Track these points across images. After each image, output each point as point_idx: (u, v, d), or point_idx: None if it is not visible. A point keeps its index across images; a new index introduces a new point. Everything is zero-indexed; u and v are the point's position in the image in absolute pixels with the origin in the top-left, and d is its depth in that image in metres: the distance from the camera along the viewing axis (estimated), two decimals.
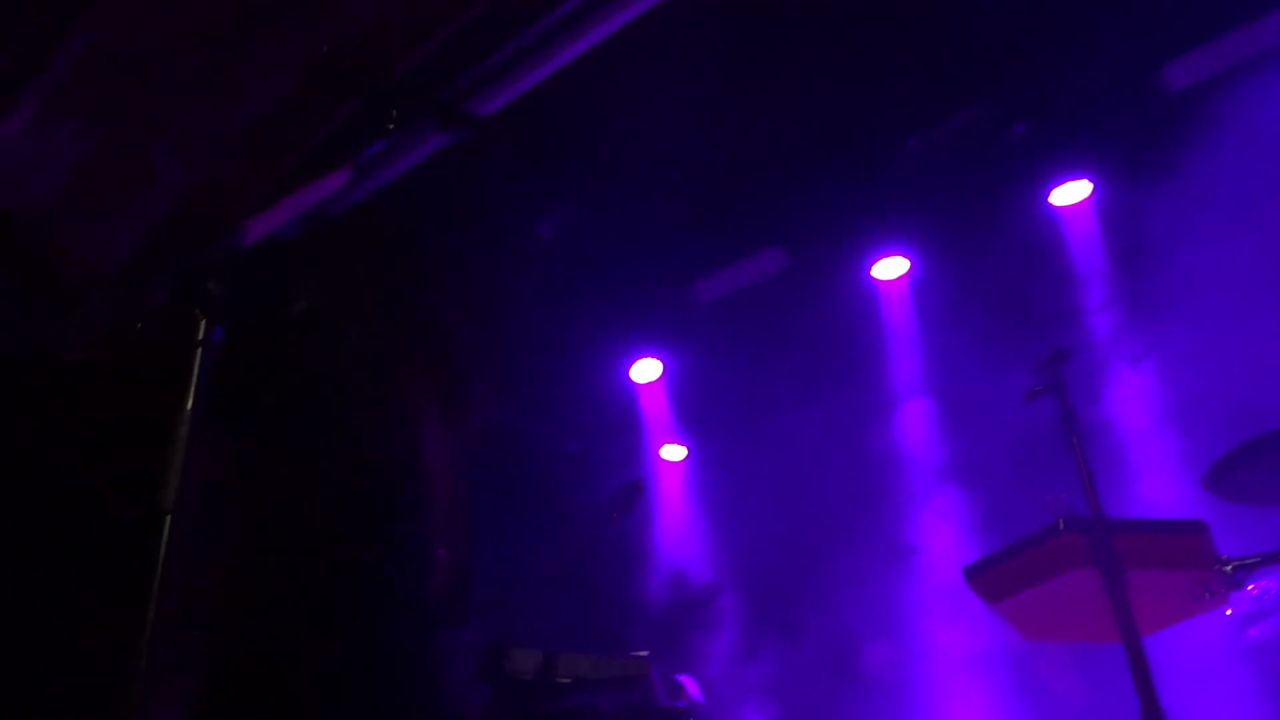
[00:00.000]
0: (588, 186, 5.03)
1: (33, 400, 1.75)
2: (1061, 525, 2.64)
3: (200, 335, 1.62)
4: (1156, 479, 4.18)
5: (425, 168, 3.88)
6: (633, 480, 3.71)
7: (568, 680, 3.13)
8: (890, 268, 5.31)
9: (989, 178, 4.79)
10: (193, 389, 1.59)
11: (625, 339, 5.86)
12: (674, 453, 6.06)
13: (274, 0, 3.79)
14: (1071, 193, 4.81)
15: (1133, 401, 4.39)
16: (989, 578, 2.84)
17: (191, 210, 2.94)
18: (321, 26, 3.89)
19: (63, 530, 1.74)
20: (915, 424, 5.18)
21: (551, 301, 5.44)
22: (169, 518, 1.52)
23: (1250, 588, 3.03)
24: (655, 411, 6.03)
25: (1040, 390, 2.81)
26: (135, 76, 3.49)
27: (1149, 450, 4.27)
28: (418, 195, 4.08)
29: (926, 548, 4.87)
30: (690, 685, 3.98)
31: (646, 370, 5.96)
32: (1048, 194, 4.83)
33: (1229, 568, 2.65)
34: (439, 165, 3.92)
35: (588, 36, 4.09)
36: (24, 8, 3.14)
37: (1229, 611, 3.13)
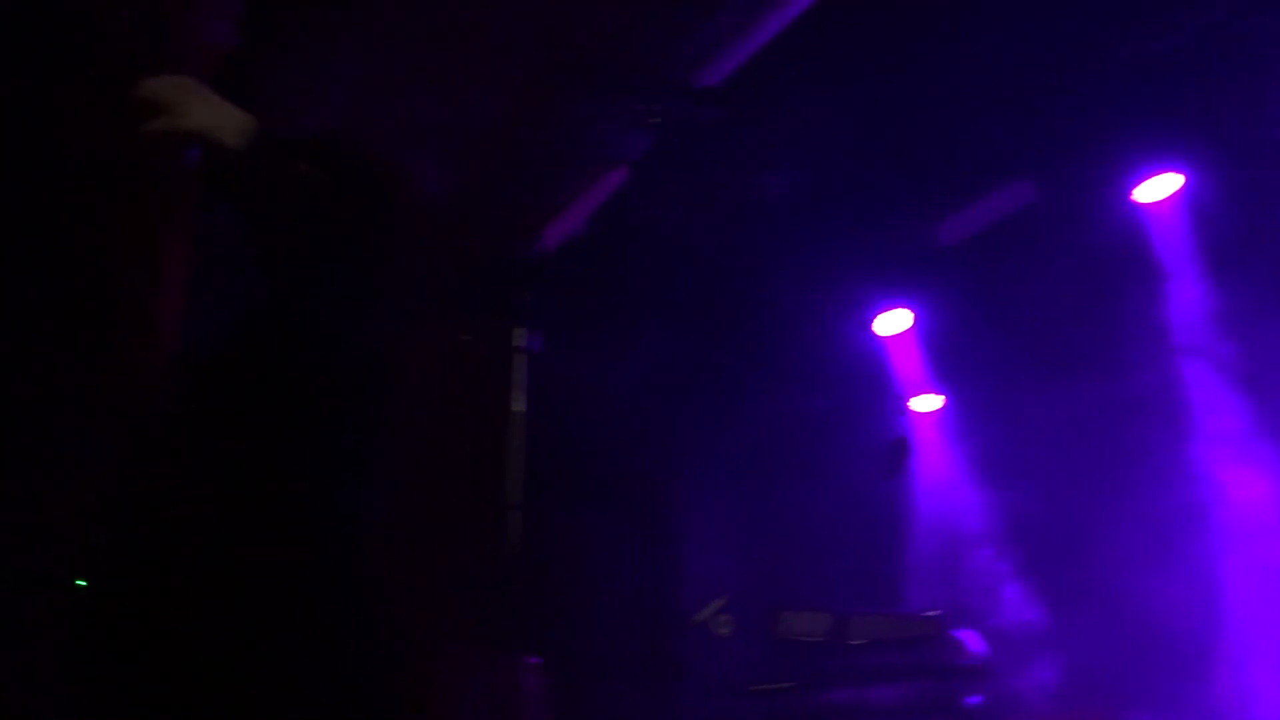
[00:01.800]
0: (816, 138, 4.93)
1: (376, 411, 1.92)
2: None
3: (518, 343, 1.74)
4: None
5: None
6: (899, 437, 3.65)
7: (861, 642, 3.15)
8: (1157, 187, 4.85)
9: (1273, 69, 4.28)
10: (520, 391, 1.71)
11: (869, 290, 5.75)
12: (928, 403, 5.91)
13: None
14: None
15: None
16: None
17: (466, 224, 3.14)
18: (545, 25, 4.02)
19: (416, 523, 1.92)
20: (1201, 367, 4.75)
21: (791, 260, 5.41)
22: (517, 511, 1.65)
23: None
24: (906, 362, 5.89)
25: None
26: (388, 97, 3.73)
27: None
28: (644, 167, 4.16)
29: (1227, 504, 4.48)
30: (976, 642, 3.91)
31: (894, 321, 5.83)
32: None
33: None
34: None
35: None
36: (298, 47, 3.41)
37: None
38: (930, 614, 3.24)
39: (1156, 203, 4.90)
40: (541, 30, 3.96)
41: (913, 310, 5.76)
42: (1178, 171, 4.77)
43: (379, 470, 1.83)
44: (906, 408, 5.87)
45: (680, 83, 3.29)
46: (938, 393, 5.81)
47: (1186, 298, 4.78)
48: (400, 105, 3.94)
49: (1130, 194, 4.91)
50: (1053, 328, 4.91)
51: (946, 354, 5.66)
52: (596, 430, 4.55)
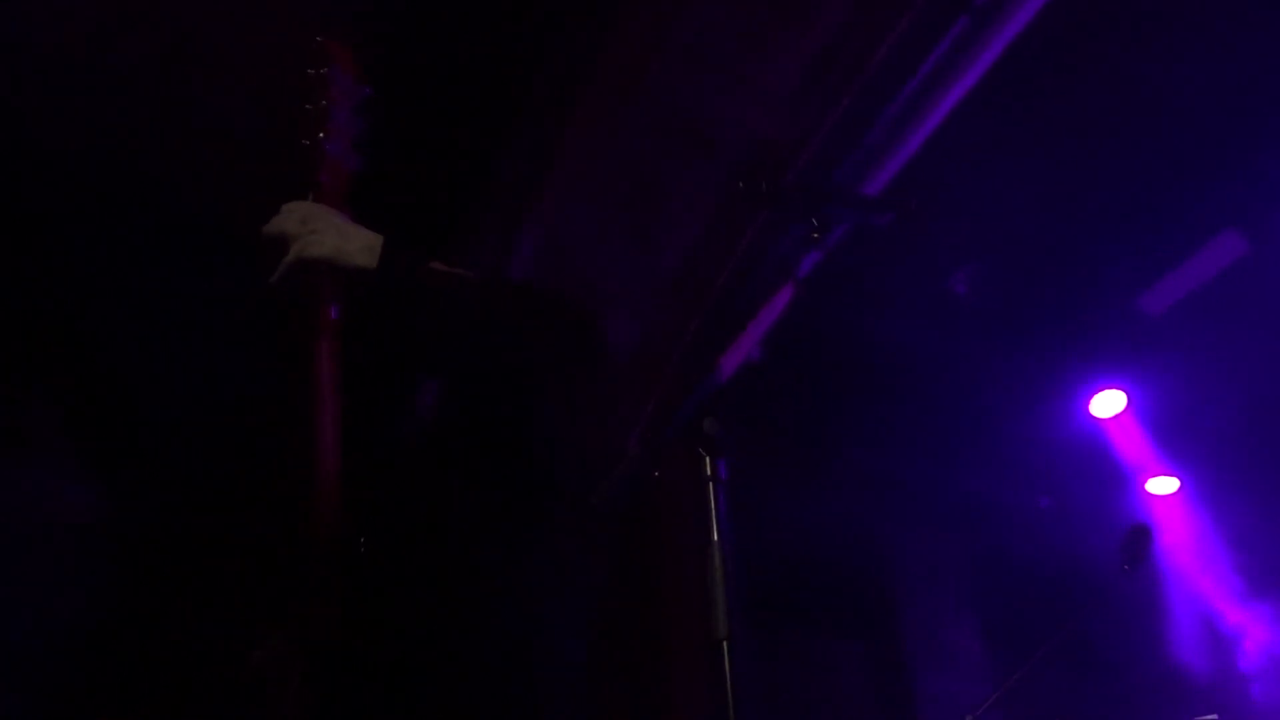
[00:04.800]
0: (994, 224, 4.79)
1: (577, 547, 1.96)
2: None
3: (709, 472, 1.77)
4: None
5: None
6: (1139, 525, 3.37)
7: None
8: None
9: None
10: (715, 521, 1.73)
11: (1076, 375, 5.44)
12: (1164, 486, 5.47)
13: (664, 149, 4.14)
14: None
15: None
16: None
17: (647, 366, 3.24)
18: (711, 164, 4.16)
19: (617, 658, 1.93)
20: None
21: (988, 357, 5.21)
22: (725, 644, 1.63)
23: None
24: (1129, 445, 5.50)
25: None
26: (577, 256, 3.95)
27: None
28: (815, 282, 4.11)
29: None
30: None
31: (1108, 403, 5.48)
32: None
33: None
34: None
35: (962, 80, 3.96)
36: (483, 220, 3.70)
37: None
38: (1209, 719, 2.90)
39: None
40: (718, 164, 4.06)
41: (1127, 387, 5.40)
42: None
43: (580, 608, 1.86)
44: (1141, 492, 5.46)
45: (847, 193, 3.33)
46: (1171, 474, 5.39)
47: None
48: (591, 258, 4.13)
49: None
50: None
51: (1171, 430, 5.26)
52: (808, 556, 4.45)
